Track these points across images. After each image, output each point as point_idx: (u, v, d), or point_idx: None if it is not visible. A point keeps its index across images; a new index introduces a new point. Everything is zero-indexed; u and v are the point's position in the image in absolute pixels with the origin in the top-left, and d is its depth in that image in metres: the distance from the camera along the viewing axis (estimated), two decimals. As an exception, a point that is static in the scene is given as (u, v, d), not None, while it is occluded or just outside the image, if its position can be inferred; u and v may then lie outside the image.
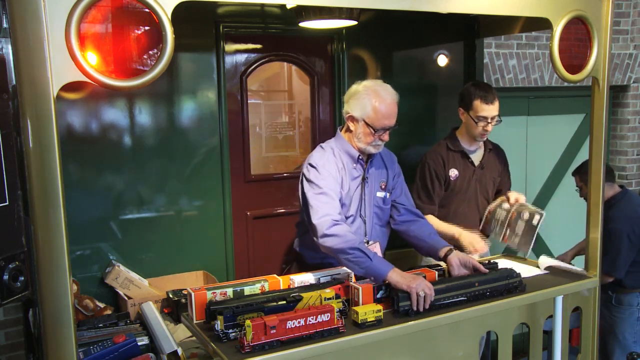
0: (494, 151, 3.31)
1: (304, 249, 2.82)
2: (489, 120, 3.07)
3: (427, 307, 2.27)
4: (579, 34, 2.56)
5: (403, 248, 3.45)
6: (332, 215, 2.45)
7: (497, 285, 2.47)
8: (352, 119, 2.61)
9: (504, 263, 2.88)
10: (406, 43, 3.83)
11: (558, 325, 2.62)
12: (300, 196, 2.65)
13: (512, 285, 2.50)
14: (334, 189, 2.55)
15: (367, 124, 2.56)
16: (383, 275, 2.32)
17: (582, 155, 5.07)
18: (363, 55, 3.71)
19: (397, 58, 3.84)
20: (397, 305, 2.26)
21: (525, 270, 2.78)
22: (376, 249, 2.70)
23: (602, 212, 2.73)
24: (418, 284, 2.26)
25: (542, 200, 5.09)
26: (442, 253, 2.63)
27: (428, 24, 3.68)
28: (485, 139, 3.18)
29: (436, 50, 3.92)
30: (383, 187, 2.78)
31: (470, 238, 2.95)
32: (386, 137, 2.62)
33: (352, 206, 2.67)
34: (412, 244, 2.81)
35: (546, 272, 2.78)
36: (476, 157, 3.22)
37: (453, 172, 3.13)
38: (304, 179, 2.61)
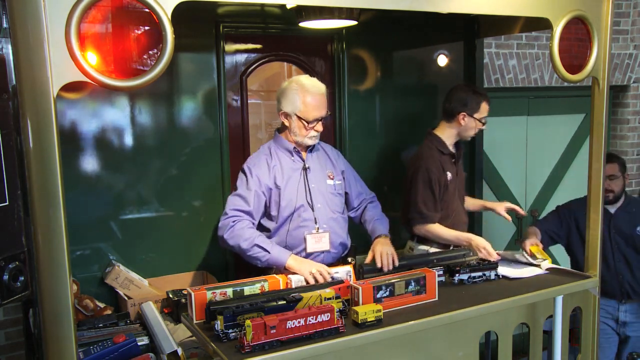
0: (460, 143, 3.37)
1: None
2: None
3: (327, 279, 2.52)
4: (579, 34, 2.57)
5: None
6: (234, 215, 2.63)
7: None
8: (286, 115, 2.77)
9: (503, 263, 2.89)
10: (406, 43, 3.83)
11: (558, 325, 2.62)
12: None
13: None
14: (254, 189, 2.69)
15: (300, 118, 2.72)
16: (283, 264, 2.58)
17: (582, 155, 5.07)
18: (363, 55, 3.71)
19: (397, 58, 3.84)
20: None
21: (525, 271, 2.79)
22: (324, 238, 2.77)
23: (602, 212, 2.73)
24: (308, 267, 2.56)
25: (542, 200, 5.09)
26: (373, 239, 2.87)
27: (428, 24, 3.68)
28: None
29: (436, 50, 3.92)
30: (331, 176, 2.89)
31: (483, 242, 2.91)
32: (320, 127, 2.78)
33: (299, 196, 2.76)
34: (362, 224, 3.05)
35: (546, 272, 2.78)
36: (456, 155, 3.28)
37: (448, 175, 3.15)
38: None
